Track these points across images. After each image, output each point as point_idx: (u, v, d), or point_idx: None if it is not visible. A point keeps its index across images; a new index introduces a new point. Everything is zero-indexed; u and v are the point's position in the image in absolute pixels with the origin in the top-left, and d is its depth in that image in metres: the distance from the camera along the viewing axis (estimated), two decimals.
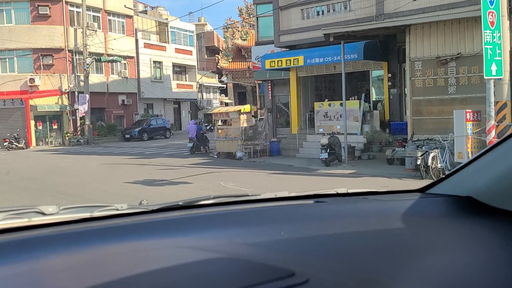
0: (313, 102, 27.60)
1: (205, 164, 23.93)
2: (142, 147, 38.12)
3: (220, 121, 28.75)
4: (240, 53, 53.36)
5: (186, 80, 61.89)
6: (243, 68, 51.79)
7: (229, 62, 54.96)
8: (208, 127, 42.15)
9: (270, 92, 30.60)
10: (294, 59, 26.17)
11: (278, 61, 26.64)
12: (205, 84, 68.37)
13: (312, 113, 26.82)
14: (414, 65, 21.00)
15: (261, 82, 34.90)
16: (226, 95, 67.03)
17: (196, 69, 63.61)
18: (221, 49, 70.50)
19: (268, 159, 25.15)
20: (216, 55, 67.15)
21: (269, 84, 30.64)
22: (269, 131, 29.89)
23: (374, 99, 26.52)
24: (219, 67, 60.07)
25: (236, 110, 27.36)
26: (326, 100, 26.95)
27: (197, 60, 65.16)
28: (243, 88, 58.35)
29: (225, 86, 66.10)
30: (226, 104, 62.50)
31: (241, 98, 61.13)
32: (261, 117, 35.23)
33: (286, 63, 26.51)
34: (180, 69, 61.09)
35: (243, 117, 27.14)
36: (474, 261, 1.68)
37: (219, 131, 27.92)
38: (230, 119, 27.62)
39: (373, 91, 26.80)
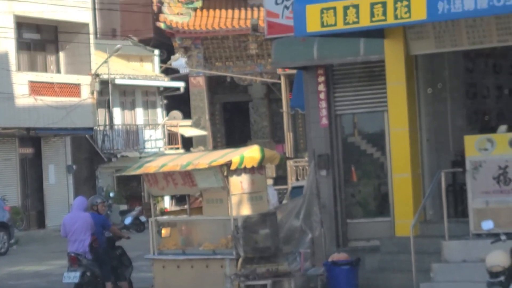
0: (459, 134, 15.14)
1: None
2: None
3: (170, 199, 24.15)
4: None
5: (60, 70, 29.98)
6: (237, 29, 30.85)
7: (193, 11, 31.25)
8: (128, 219, 21.84)
9: (324, 101, 16.57)
10: (397, 4, 13.28)
11: (346, 8, 13.88)
12: (119, 82, 32.09)
13: (460, 166, 14.64)
14: None
15: (294, 70, 19.54)
16: (187, 116, 35.14)
17: (91, 35, 30.27)
18: None
19: None
20: None
21: (321, 75, 16.66)
22: (322, 229, 14.95)
23: None
24: (162, 24, 32.97)
25: (218, 164, 13.37)
26: (504, 128, 13.86)
27: (94, 10, 30.87)
28: (239, 92, 33.38)
29: (182, 86, 34.25)
30: (187, 147, 32.95)
31: (235, 126, 33.53)
32: (297, 185, 21.47)
33: (374, 16, 13.74)
34: (41, 39, 29.78)
35: (237, 184, 13.39)
36: None
37: (164, 231, 14.57)
38: (200, 193, 14.16)
39: None
